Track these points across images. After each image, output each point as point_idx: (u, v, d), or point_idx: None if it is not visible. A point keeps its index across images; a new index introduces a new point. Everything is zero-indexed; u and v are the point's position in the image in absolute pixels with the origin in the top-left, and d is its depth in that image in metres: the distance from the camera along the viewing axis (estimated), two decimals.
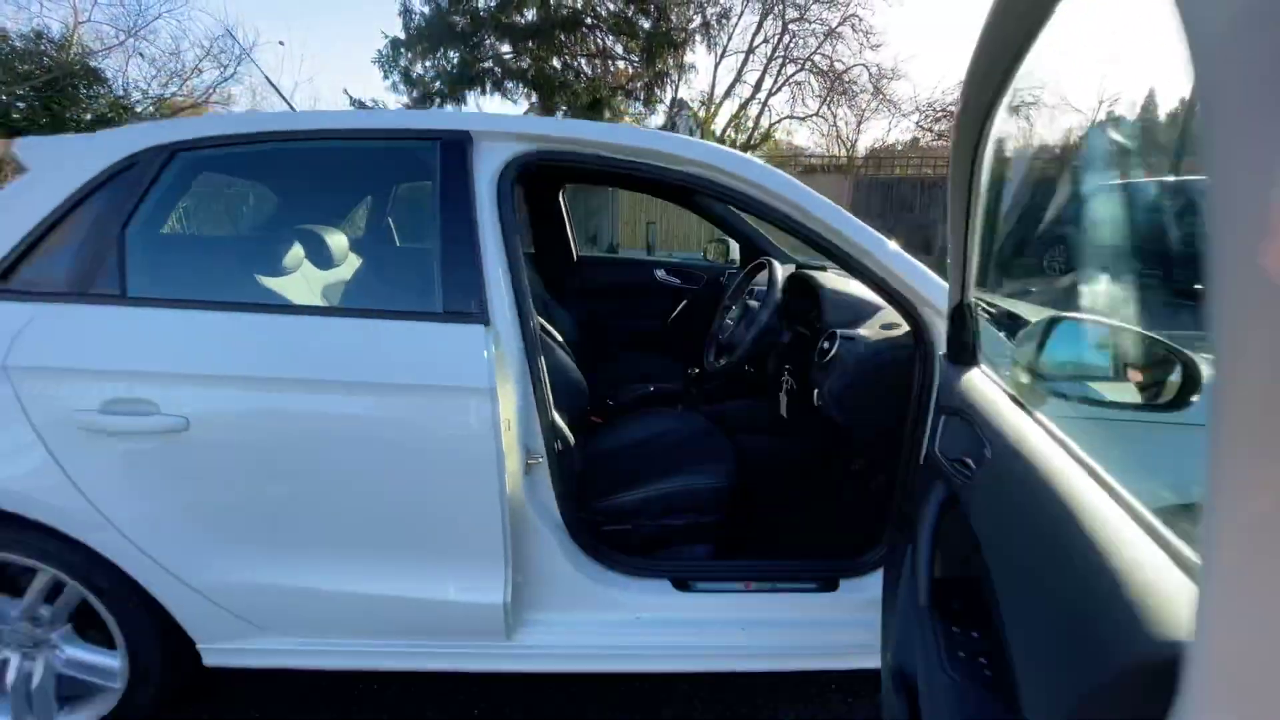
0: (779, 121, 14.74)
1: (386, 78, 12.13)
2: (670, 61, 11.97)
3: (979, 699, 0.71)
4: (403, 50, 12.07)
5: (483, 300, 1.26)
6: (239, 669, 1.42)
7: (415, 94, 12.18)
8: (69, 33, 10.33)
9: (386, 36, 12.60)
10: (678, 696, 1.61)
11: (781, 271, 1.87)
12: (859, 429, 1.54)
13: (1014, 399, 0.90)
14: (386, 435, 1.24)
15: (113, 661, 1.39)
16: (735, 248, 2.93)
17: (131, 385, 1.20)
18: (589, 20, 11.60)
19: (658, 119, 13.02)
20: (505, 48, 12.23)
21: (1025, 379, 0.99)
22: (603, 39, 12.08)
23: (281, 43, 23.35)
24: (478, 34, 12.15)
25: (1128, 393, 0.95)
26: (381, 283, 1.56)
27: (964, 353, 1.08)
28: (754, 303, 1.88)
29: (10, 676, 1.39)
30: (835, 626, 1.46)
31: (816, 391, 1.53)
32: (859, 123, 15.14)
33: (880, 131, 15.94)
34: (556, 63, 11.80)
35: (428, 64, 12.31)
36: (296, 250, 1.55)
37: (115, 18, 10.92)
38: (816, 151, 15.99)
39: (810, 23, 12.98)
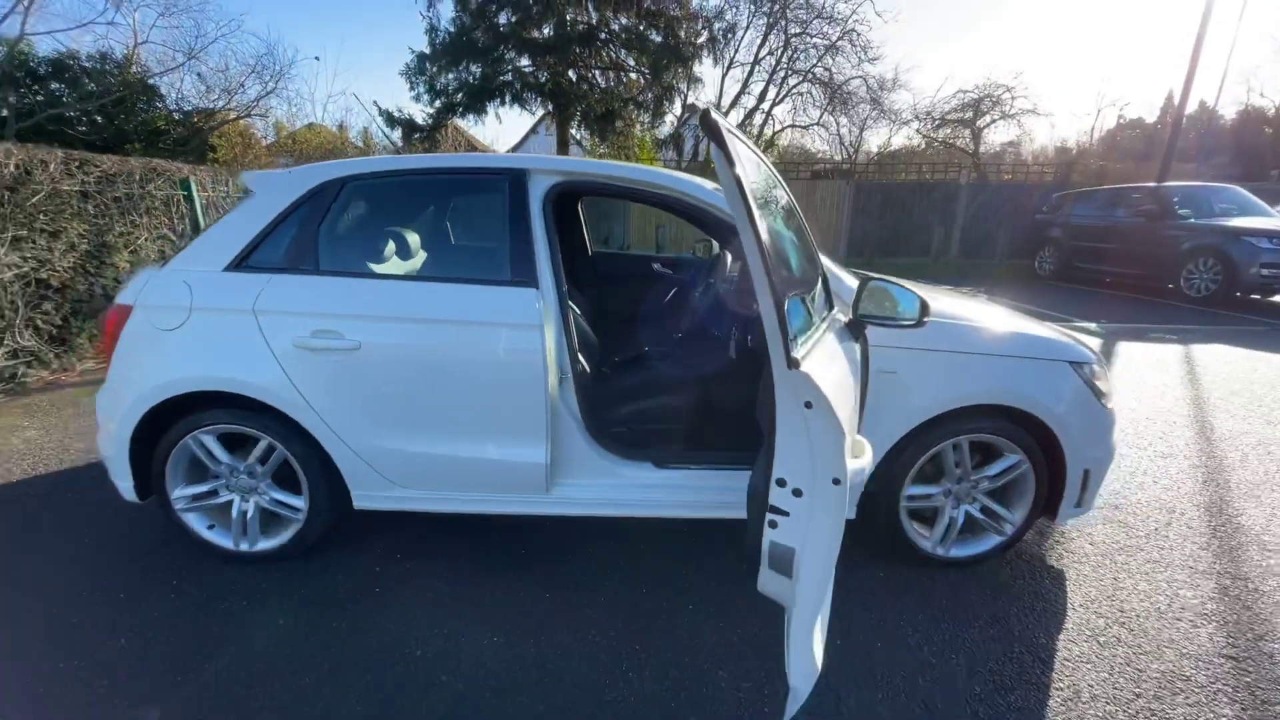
0: (782, 130, 15.51)
1: (412, 89, 13.05)
2: (679, 73, 12.75)
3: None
4: (428, 64, 12.98)
5: (534, 273, 2.05)
6: (375, 511, 2.22)
7: (439, 104, 13.09)
8: (129, 53, 11.38)
9: (413, 52, 13.55)
10: (650, 535, 2.38)
11: (729, 261, 2.66)
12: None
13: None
14: (478, 353, 2.04)
15: (299, 502, 2.20)
16: (716, 245, 3.70)
17: (327, 322, 2.01)
18: (603, 35, 12.41)
19: (666, 128, 13.84)
20: (524, 61, 13.09)
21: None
22: (615, 52, 12.89)
23: (317, 58, 24.55)
24: (498, 48, 13.03)
25: (894, 315, 1.71)
26: (473, 262, 2.35)
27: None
28: (714, 283, 2.68)
29: (234, 512, 2.21)
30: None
31: (750, 337, 2.31)
32: (860, 130, 15.82)
33: (883, 138, 16.53)
34: (571, 75, 12.62)
35: (450, 77, 13.22)
36: (418, 241, 2.38)
37: (173, 39, 11.95)
38: (822, 157, 16.69)
39: (811, 36, 13.75)
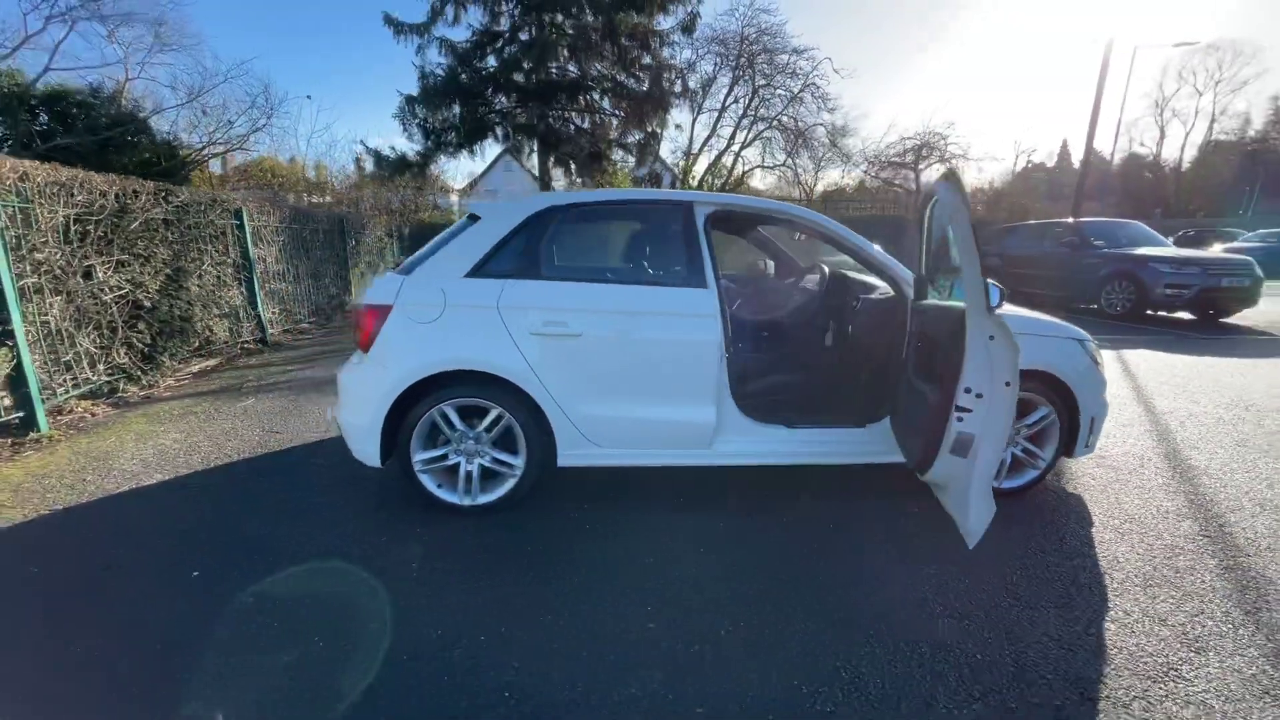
0: (751, 170, 16.97)
1: (405, 130, 13.62)
2: (661, 119, 13.90)
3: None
4: (419, 106, 13.60)
5: (704, 277, 2.73)
6: (575, 467, 2.78)
7: (429, 144, 13.69)
8: (119, 88, 11.42)
9: (401, 94, 14.14)
10: (789, 480, 3.04)
11: (827, 271, 3.45)
12: (868, 342, 3.07)
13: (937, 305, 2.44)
14: (668, 336, 2.68)
15: (517, 460, 2.73)
16: (771, 264, 4.50)
17: (554, 315, 2.61)
18: (590, 84, 13.43)
19: (644, 169, 14.91)
20: (508, 103, 13.91)
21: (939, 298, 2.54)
22: (599, 99, 13.93)
23: (309, 97, 24.78)
24: (485, 91, 13.81)
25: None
26: (655, 269, 2.99)
27: (916, 296, 2.63)
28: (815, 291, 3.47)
29: (461, 471, 2.72)
30: (863, 443, 2.93)
31: (850, 327, 3.07)
32: (816, 170, 17.47)
33: (836, 177, 18.28)
34: (558, 119, 13.54)
35: (440, 117, 13.87)
36: (612, 253, 3.03)
37: (168, 75, 12.06)
38: (777, 194, 18.23)
39: (776, 88, 15.33)
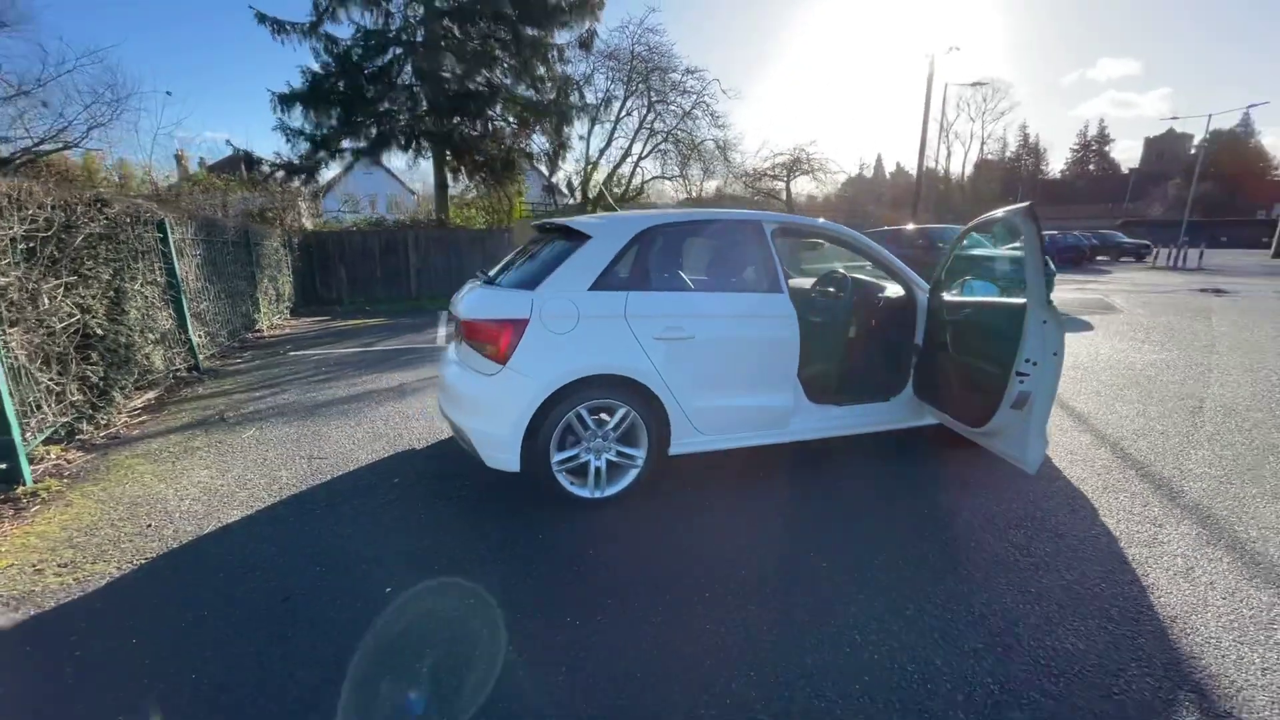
0: (651, 180, 17.88)
1: (289, 142, 12.40)
2: (566, 129, 14.17)
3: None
4: (305, 107, 12.48)
5: (780, 283, 3.27)
6: (682, 455, 3.16)
7: (320, 150, 12.63)
8: None
9: (273, 94, 12.87)
10: (837, 447, 3.69)
11: (848, 276, 4.18)
12: (888, 332, 3.83)
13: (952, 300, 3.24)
14: (758, 335, 3.17)
15: (639, 452, 3.05)
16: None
17: (673, 320, 2.99)
18: (497, 93, 13.31)
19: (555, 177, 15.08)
20: (409, 109, 13.31)
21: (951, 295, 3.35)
22: (504, 110, 13.85)
23: (169, 93, 20.78)
24: (383, 97, 13.08)
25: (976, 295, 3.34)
26: (743, 278, 3.41)
27: (935, 292, 3.41)
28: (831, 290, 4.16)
29: (590, 469, 2.98)
30: (891, 412, 3.67)
31: (874, 321, 3.80)
32: (701, 181, 18.89)
33: (717, 186, 19.85)
34: (469, 127, 13.24)
35: (329, 122, 12.85)
36: (702, 264, 3.41)
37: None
38: (670, 199, 19.41)
39: (669, 104, 16.35)
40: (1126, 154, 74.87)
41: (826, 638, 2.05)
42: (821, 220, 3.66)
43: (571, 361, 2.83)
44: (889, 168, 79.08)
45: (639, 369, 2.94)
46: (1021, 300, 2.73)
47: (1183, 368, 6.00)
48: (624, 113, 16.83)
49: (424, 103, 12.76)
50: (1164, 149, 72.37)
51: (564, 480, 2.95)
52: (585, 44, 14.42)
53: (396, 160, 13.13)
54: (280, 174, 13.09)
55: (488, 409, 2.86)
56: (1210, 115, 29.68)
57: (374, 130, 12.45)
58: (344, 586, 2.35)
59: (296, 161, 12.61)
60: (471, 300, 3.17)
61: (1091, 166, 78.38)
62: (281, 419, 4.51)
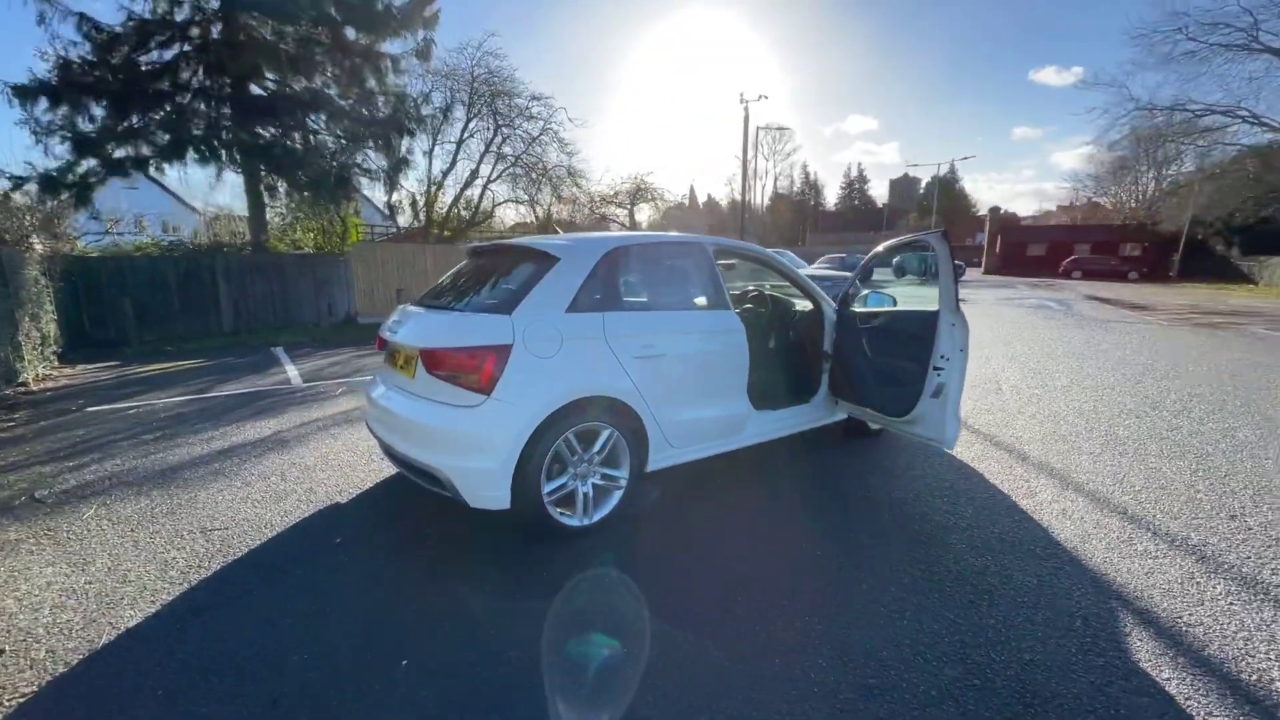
0: (502, 204, 17.40)
1: (38, 141, 9.73)
2: (404, 146, 13.22)
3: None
4: (56, 104, 9.95)
5: (726, 301, 3.52)
6: (657, 470, 3.22)
7: (89, 161, 10.15)
8: None
9: (6, 85, 10.15)
10: (763, 449, 4.02)
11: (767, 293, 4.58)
12: (803, 343, 4.31)
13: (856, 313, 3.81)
14: (717, 349, 3.37)
15: (621, 472, 3.03)
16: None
17: (649, 339, 3.05)
18: (321, 102, 11.94)
19: (384, 195, 13.92)
20: (211, 113, 11.38)
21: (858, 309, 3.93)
22: (330, 122, 12.51)
23: None
24: (171, 100, 11.03)
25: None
26: (698, 296, 3.48)
27: (845, 305, 3.97)
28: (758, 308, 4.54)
29: (578, 495, 2.89)
30: (812, 412, 4.13)
31: (792, 334, 4.25)
32: (549, 205, 18.99)
33: (566, 212, 20.11)
34: (290, 139, 11.66)
35: (103, 125, 10.43)
36: (663, 284, 3.44)
37: None
38: (520, 224, 19.25)
39: (515, 129, 16.16)
40: (879, 192, 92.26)
41: (867, 602, 2.28)
42: (747, 244, 4.03)
43: (559, 386, 2.74)
44: (701, 198, 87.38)
45: (622, 389, 2.94)
46: (934, 308, 3.32)
47: (971, 357, 7.60)
48: (466, 134, 16.28)
49: (226, 108, 10.97)
50: (903, 189, 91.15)
51: (554, 512, 2.82)
52: (422, 54, 13.68)
53: (193, 172, 11.05)
54: (48, 192, 10.28)
55: (472, 444, 2.63)
56: (939, 164, 38.08)
57: (162, 136, 10.34)
58: (368, 672, 1.98)
59: (55, 173, 9.97)
60: (433, 327, 2.90)
61: (856, 201, 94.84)
62: (129, 490, 3.57)
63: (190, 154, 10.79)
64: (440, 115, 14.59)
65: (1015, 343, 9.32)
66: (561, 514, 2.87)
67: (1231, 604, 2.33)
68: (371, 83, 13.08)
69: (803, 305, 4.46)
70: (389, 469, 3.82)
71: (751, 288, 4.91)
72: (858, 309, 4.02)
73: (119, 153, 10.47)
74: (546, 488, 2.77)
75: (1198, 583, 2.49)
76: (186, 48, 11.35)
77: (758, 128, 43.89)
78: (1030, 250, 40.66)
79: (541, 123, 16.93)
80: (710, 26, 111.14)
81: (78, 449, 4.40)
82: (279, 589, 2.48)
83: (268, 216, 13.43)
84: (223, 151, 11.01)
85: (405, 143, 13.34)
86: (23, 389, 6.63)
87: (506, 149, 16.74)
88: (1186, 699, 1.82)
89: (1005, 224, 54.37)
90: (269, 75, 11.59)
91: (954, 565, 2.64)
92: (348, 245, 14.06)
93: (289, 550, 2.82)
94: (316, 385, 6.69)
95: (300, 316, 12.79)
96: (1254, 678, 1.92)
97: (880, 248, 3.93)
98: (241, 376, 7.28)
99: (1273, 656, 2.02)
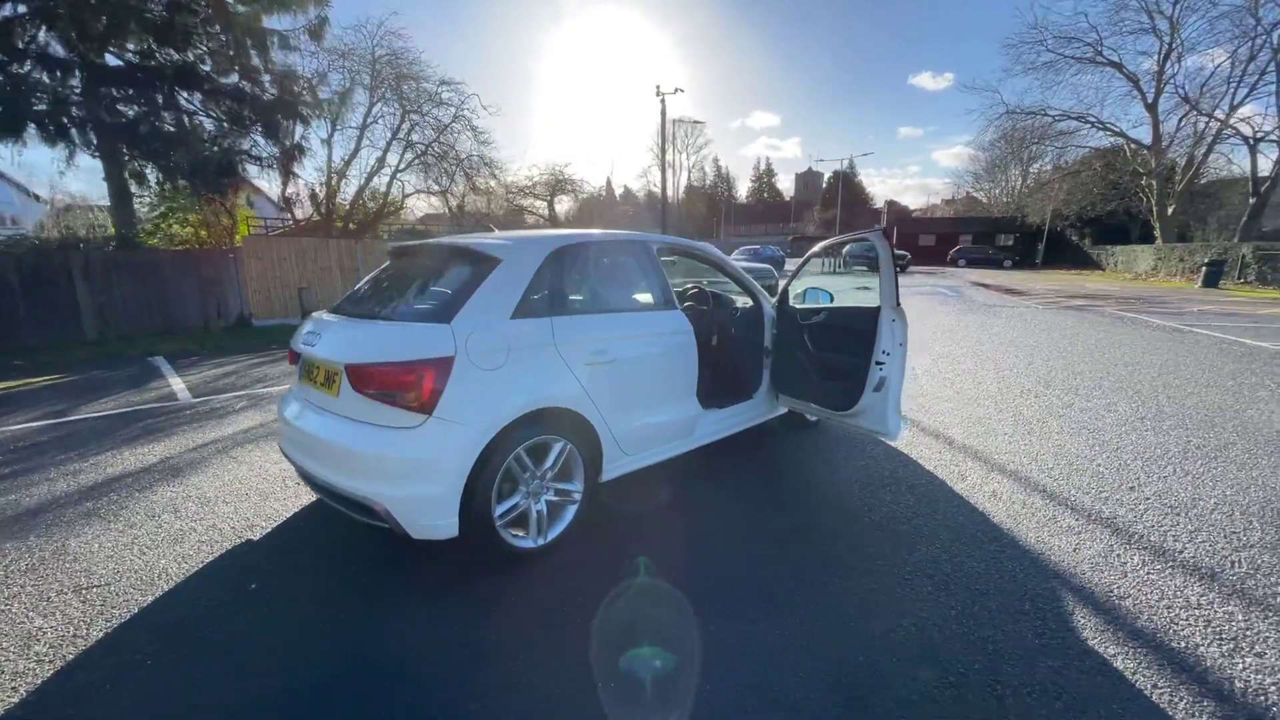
0: (413, 194, 16.26)
1: None
2: (295, 131, 12.03)
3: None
4: None
5: (672, 300, 3.43)
6: (611, 480, 3.08)
7: None
8: None
9: None
10: (722, 446, 4.01)
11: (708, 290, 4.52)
12: (743, 339, 4.32)
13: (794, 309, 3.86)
14: (665, 351, 3.27)
15: (575, 486, 2.87)
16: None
17: (600, 344, 2.90)
18: (196, 78, 10.56)
19: (278, 185, 12.65)
20: (61, 85, 9.76)
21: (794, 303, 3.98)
22: (207, 102, 11.13)
23: None
24: (13, 63, 9.35)
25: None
26: (644, 296, 3.29)
27: (784, 301, 4.01)
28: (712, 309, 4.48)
29: (531, 515, 2.70)
30: (755, 408, 4.14)
31: (733, 330, 4.25)
32: (463, 197, 18.12)
33: (482, 203, 19.24)
34: (161, 119, 10.21)
35: None
36: (607, 285, 3.25)
37: None
38: (431, 215, 18.23)
39: (425, 115, 15.15)
40: (785, 185, 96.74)
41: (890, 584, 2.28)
42: (691, 240, 3.95)
43: (508, 400, 2.53)
44: (618, 190, 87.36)
45: (574, 398, 2.77)
46: (875, 305, 3.40)
47: None
48: (370, 120, 15.08)
49: (75, 78, 9.45)
50: (808, 182, 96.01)
51: (507, 535, 2.61)
52: (315, 33, 12.49)
53: (38, 154, 9.45)
54: None
55: (414, 470, 2.36)
56: (843, 160, 40.37)
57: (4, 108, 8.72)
58: None
59: None
60: (360, 339, 2.58)
61: (765, 194, 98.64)
62: (55, 521, 2.95)
63: (32, 130, 9.19)
64: (338, 99, 13.42)
65: (921, 328, 10.00)
66: (515, 536, 2.67)
67: (1149, 574, 2.56)
68: (255, 60, 11.80)
69: (743, 301, 4.47)
70: (308, 495, 3.42)
71: (690, 285, 4.87)
72: (797, 305, 4.07)
73: None
74: (498, 509, 2.55)
75: (1117, 554, 2.71)
76: (22, 7, 9.67)
77: (672, 120, 44.28)
78: (921, 240, 44.20)
79: (453, 109, 16.07)
80: (618, 23, 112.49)
81: None
82: (183, 655, 2.11)
83: (135, 207, 11.81)
84: (73, 130, 9.48)
85: (298, 128, 12.13)
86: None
87: (415, 136, 15.72)
88: (1134, 674, 1.95)
89: (899, 216, 58.83)
90: (130, 45, 10.11)
91: (909, 555, 2.72)
92: (237, 239, 12.65)
93: (192, 604, 2.43)
94: (210, 400, 5.94)
95: (184, 321, 11.44)
96: (1182, 645, 2.10)
97: (818, 246, 3.99)
98: (115, 393, 6.34)
99: (1197, 623, 2.22)
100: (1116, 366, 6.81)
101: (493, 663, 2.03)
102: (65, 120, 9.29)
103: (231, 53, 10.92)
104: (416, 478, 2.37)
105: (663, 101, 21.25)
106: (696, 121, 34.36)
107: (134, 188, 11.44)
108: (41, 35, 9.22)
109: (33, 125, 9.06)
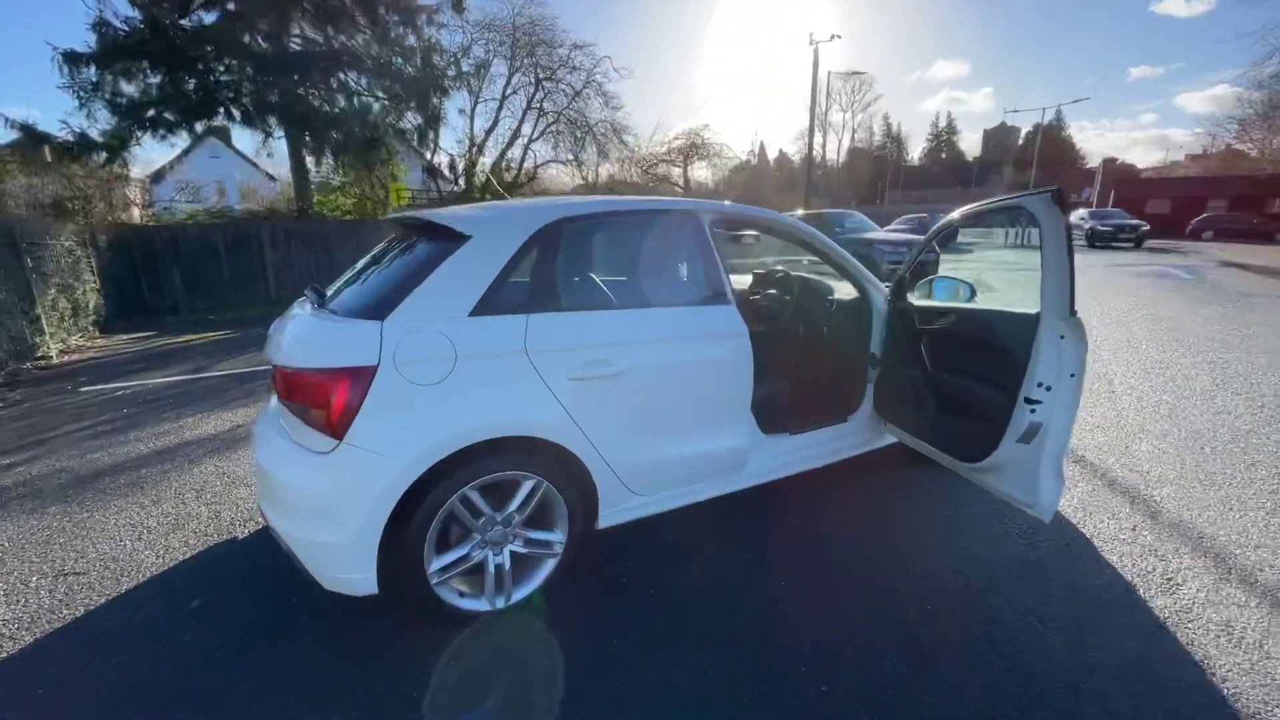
0: (544, 164, 16.59)
1: (82, 105, 9.84)
2: (438, 104, 12.57)
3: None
4: (101, 68, 9.97)
5: (725, 292, 2.53)
6: (614, 526, 2.36)
7: (124, 121, 10.17)
8: None
9: (57, 50, 10.23)
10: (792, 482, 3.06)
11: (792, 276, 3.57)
12: (841, 340, 3.25)
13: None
14: (705, 360, 2.42)
15: (556, 535, 2.21)
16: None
17: (597, 352, 2.15)
18: (350, 59, 11.43)
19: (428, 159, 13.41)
20: (239, 75, 11.13)
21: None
22: (360, 80, 12.00)
23: None
24: (202, 57, 10.81)
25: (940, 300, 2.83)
26: (681, 287, 2.56)
27: (899, 293, 2.86)
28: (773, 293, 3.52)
29: (489, 569, 2.09)
30: (852, 434, 3.09)
31: (825, 328, 3.20)
32: (596, 166, 17.97)
33: (612, 171, 18.99)
34: (318, 98, 11.27)
35: (135, 87, 10.41)
36: (633, 270, 2.58)
37: None
38: (564, 186, 18.37)
39: (559, 82, 15.14)
40: (969, 144, 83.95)
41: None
42: (770, 212, 2.96)
43: (448, 426, 1.91)
44: (771, 154, 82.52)
45: (549, 424, 2.08)
46: (1033, 309, 2.20)
47: None
48: (509, 90, 15.46)
49: (248, 64, 10.63)
50: (999, 140, 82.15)
51: (448, 595, 2.04)
52: (457, 7, 12.83)
53: (243, 139, 10.96)
54: (82, 152, 10.48)
55: (318, 508, 1.87)
56: (1043, 110, 33.44)
57: (197, 97, 10.17)
58: None
59: (98, 137, 10.08)
60: (296, 334, 2.11)
61: (944, 155, 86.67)
62: (30, 503, 3.13)
63: (219, 113, 10.60)
64: (478, 71, 13.80)
65: (1132, 323, 7.60)
66: (463, 595, 2.09)
67: None
68: (408, 38, 12.42)
69: (846, 292, 3.38)
70: None
71: (779, 268, 3.84)
72: (917, 300, 2.92)
73: (152, 112, 10.41)
74: (436, 563, 1.98)
75: None
76: (220, 11, 11.07)
77: (829, 73, 40.18)
78: (1150, 207, 35.37)
79: (584, 74, 15.78)
80: None
81: (27, 440, 4.09)
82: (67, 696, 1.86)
83: (313, 181, 13.30)
84: (258, 114, 10.77)
85: (444, 102, 12.66)
86: (41, 363, 6.61)
87: (548, 104, 15.75)
88: None
89: (1121, 177, 47.85)
90: (297, 31, 11.13)
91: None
92: (389, 210, 13.77)
93: (132, 617, 2.22)
94: None
95: None
96: None
97: (956, 214, 2.77)
98: (253, 351, 7.00)
99: None
100: None
101: None
102: (256, 106, 10.57)
103: (382, 32, 11.58)
104: (321, 519, 1.87)
105: (815, 50, 18.93)
106: (857, 73, 30.50)
107: (311, 164, 12.85)
108: (238, 31, 10.49)
109: (224, 110, 10.44)
